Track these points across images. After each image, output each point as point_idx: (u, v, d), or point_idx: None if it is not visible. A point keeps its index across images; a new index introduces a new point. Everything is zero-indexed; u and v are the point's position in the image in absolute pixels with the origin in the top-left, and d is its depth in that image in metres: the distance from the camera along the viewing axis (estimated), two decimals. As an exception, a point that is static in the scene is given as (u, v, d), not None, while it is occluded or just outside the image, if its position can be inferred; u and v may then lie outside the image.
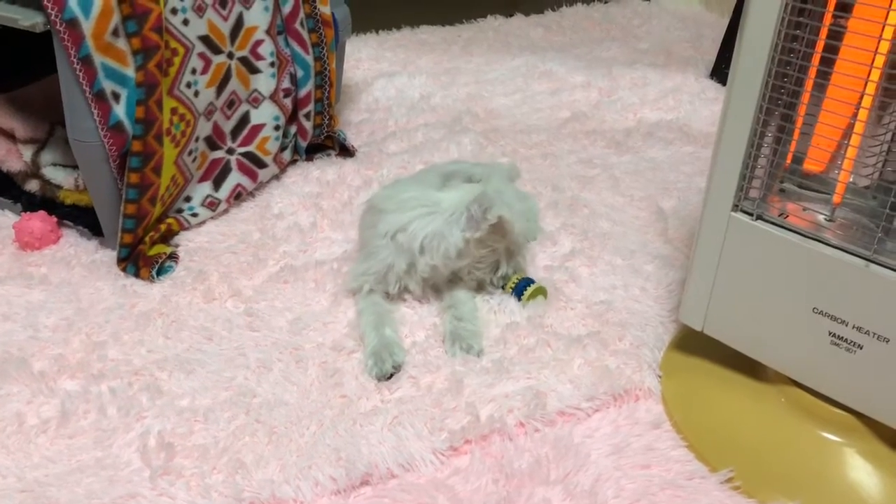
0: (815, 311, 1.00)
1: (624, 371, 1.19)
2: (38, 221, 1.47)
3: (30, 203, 1.54)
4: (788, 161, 1.04)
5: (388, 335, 1.23)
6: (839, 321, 0.99)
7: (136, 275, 1.40)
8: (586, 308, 1.32)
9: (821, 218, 1.02)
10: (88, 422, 1.13)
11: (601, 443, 1.09)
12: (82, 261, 1.44)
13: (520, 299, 1.32)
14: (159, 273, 1.40)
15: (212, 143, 1.54)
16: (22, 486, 1.04)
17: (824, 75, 0.95)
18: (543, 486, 1.03)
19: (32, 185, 1.55)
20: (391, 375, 1.18)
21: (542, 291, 1.33)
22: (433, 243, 1.24)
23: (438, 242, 1.23)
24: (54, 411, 1.14)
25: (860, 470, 1.02)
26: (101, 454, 1.08)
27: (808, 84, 0.96)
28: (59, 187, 1.52)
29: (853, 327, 0.98)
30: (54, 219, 1.49)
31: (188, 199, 1.53)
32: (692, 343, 1.22)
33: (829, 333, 1.00)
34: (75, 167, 1.48)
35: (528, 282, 1.33)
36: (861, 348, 0.98)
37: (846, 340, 0.99)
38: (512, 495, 1.01)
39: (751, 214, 1.03)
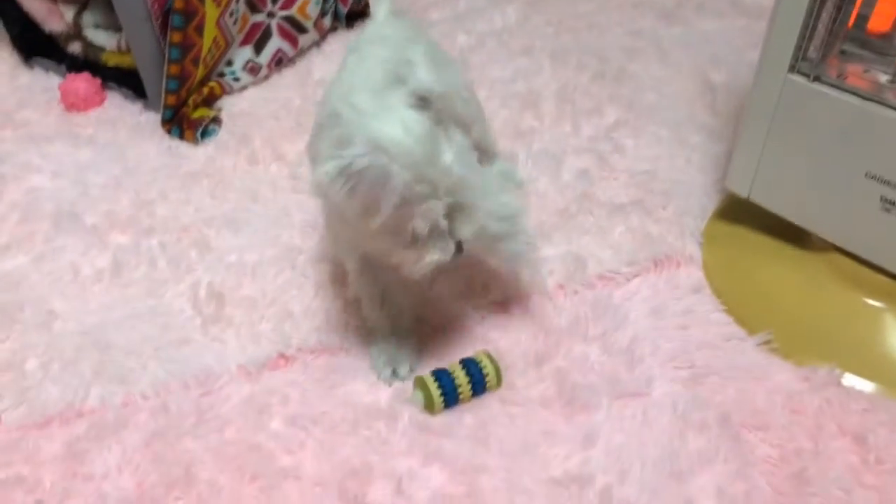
0: (868, 175, 0.98)
1: (666, 238, 1.19)
2: (83, 83, 1.48)
3: (73, 65, 1.54)
4: (852, 21, 0.99)
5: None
6: (892, 185, 0.97)
7: (181, 137, 1.41)
8: (630, 178, 1.31)
9: (883, 79, 0.98)
10: (140, 273, 1.17)
11: (640, 305, 1.10)
12: (127, 122, 1.46)
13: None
14: (203, 136, 1.41)
15: (252, 6, 1.52)
16: (82, 329, 1.09)
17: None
18: (582, 342, 1.05)
19: (75, 47, 1.55)
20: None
21: (423, 388, 0.97)
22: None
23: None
24: (107, 262, 1.18)
25: (899, 335, 1.03)
26: (154, 302, 1.12)
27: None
28: (101, 49, 1.52)
29: (906, 192, 0.96)
30: (98, 81, 1.50)
31: (230, 62, 1.52)
32: (736, 212, 1.21)
33: (881, 199, 0.98)
34: (117, 29, 1.47)
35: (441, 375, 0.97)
36: (912, 213, 0.96)
37: (897, 205, 0.97)
38: (550, 349, 1.03)
39: (808, 76, 0.99)
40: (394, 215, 0.79)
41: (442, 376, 0.97)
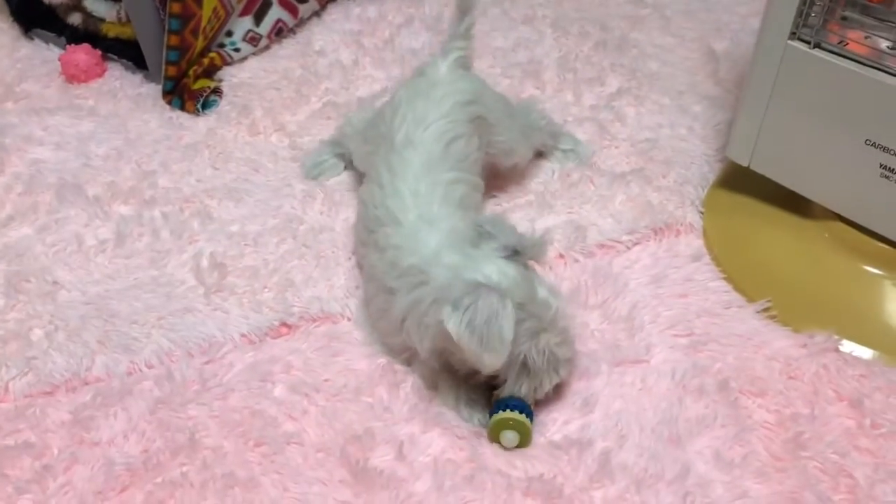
0: (868, 142, 0.98)
1: (666, 206, 1.19)
2: (83, 54, 1.47)
3: (73, 36, 1.54)
4: (854, -14, 0.99)
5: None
6: (892, 152, 0.97)
7: (182, 108, 1.41)
8: (631, 146, 1.31)
9: (884, 45, 0.98)
10: (143, 243, 1.17)
11: (640, 273, 1.11)
12: (128, 94, 1.46)
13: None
14: (204, 107, 1.41)
15: (252, -24, 1.51)
16: (85, 299, 1.10)
17: None
18: (582, 310, 1.06)
19: (75, 18, 1.54)
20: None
21: (520, 428, 0.89)
22: (414, 329, 0.92)
23: (417, 330, 0.92)
24: (110, 233, 1.19)
25: (897, 301, 1.03)
26: (157, 273, 1.13)
27: None
28: (101, 20, 1.51)
29: (906, 159, 0.96)
30: (98, 52, 1.49)
31: (230, 33, 1.51)
32: (737, 181, 1.21)
33: (880, 166, 0.98)
34: (117, 0, 1.47)
35: (512, 406, 0.90)
36: (912, 180, 0.97)
37: (897, 172, 0.97)
38: (551, 318, 1.04)
39: (808, 42, 0.99)
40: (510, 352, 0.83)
41: (512, 404, 0.90)
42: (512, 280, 0.85)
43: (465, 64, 1.18)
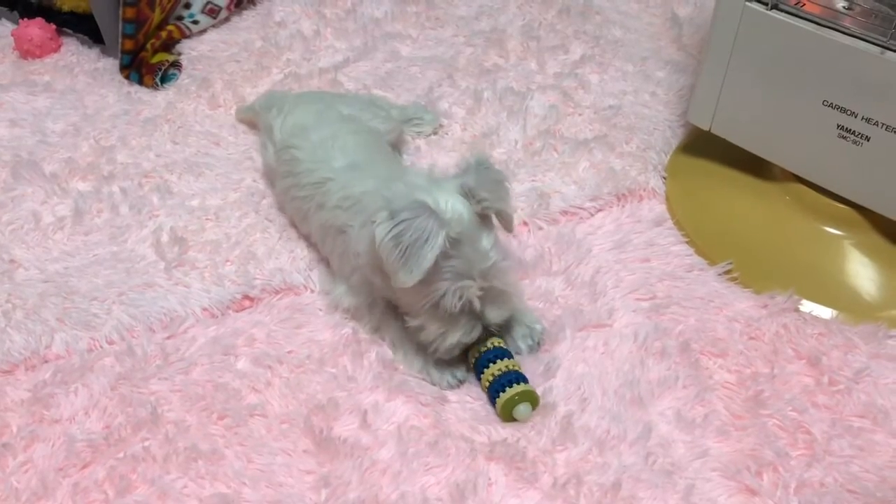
0: (825, 103, 0.99)
1: (629, 172, 1.19)
2: (37, 28, 1.44)
3: (26, 11, 1.50)
4: (810, -54, 0.99)
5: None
6: (849, 113, 0.97)
7: (140, 82, 1.38)
8: (594, 113, 1.31)
9: (840, 5, 0.98)
10: (102, 219, 1.16)
11: (603, 239, 1.11)
12: (85, 68, 1.43)
13: (493, 403, 0.91)
14: (163, 81, 1.38)
15: (209, -54, 1.48)
16: (44, 276, 1.08)
17: None
18: (546, 276, 1.06)
19: (28, -8, 1.51)
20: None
21: (528, 397, 0.89)
22: (367, 251, 0.92)
23: (370, 251, 0.90)
24: (68, 210, 1.17)
25: (855, 261, 1.05)
26: (117, 248, 1.12)
27: None
28: (55, -7, 1.48)
29: (862, 119, 0.96)
30: (53, 26, 1.46)
31: (188, 5, 1.48)
32: (699, 146, 1.21)
33: (838, 126, 0.99)
34: (69, -29, 1.44)
35: (512, 379, 0.89)
36: (868, 140, 0.97)
37: (854, 133, 0.98)
38: (514, 285, 1.04)
39: (766, 4, 0.99)
40: (427, 281, 0.83)
41: (512, 377, 0.90)
42: (457, 215, 0.85)
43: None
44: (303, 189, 1.03)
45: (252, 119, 1.28)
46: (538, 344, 0.97)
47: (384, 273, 0.87)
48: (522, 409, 0.89)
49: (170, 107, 1.34)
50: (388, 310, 0.97)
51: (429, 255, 0.81)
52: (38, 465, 0.88)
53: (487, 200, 0.87)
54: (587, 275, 1.06)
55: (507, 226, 0.92)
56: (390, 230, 0.81)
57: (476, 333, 0.90)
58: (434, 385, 0.94)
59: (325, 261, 1.07)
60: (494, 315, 0.90)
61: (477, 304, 0.88)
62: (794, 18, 0.98)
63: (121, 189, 1.19)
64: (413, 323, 0.91)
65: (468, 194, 0.87)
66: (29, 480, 0.87)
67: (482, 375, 0.91)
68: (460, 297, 0.86)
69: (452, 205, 0.86)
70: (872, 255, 1.04)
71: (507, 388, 0.89)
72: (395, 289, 0.88)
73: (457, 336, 0.89)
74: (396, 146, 1.21)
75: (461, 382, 0.94)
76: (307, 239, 1.10)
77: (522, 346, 0.96)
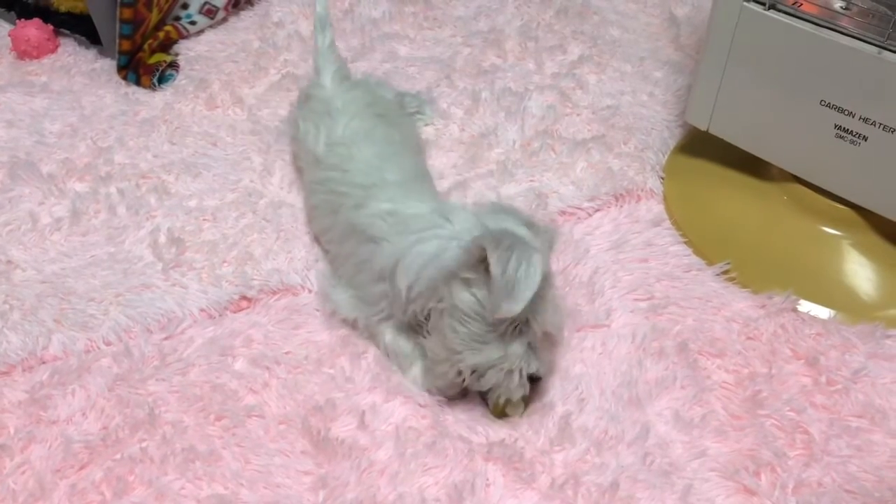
0: (823, 103, 0.99)
1: (627, 172, 1.19)
2: (34, 29, 1.44)
3: (23, 11, 1.50)
4: (808, -54, 0.99)
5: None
6: (846, 113, 0.97)
7: (137, 83, 1.38)
8: (592, 114, 1.31)
9: (837, 5, 0.98)
10: (99, 220, 1.15)
11: (601, 239, 1.11)
12: (82, 69, 1.43)
13: (486, 400, 0.93)
14: (161, 81, 1.38)
15: (206, -54, 1.48)
16: (41, 277, 1.08)
17: None
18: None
19: (25, -7, 1.51)
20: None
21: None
22: (413, 263, 0.89)
23: (416, 262, 0.89)
24: (65, 211, 1.17)
25: (853, 261, 1.05)
26: (114, 249, 1.11)
27: None
28: (52, -6, 1.48)
29: (859, 118, 0.96)
30: (50, 27, 1.46)
31: (185, 6, 1.48)
32: (697, 146, 1.21)
33: (835, 126, 0.99)
34: (67, -28, 1.43)
35: None
36: (865, 140, 0.97)
37: (851, 133, 0.98)
38: (512, 285, 1.04)
39: (763, 4, 0.99)
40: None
41: None
42: (535, 241, 0.84)
43: (344, 75, 1.19)
44: (346, 185, 1.01)
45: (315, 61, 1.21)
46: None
47: (461, 294, 0.84)
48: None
49: (167, 107, 1.34)
50: (400, 328, 0.96)
51: (533, 284, 0.79)
52: (36, 467, 0.88)
53: (548, 232, 0.88)
54: (585, 275, 1.06)
55: (553, 251, 0.92)
56: (499, 260, 0.78)
57: (535, 365, 0.87)
58: (435, 395, 0.93)
59: (326, 260, 1.07)
60: (552, 349, 0.90)
61: (543, 330, 0.85)
62: (792, 18, 0.98)
63: (118, 190, 1.19)
64: (473, 358, 0.85)
65: (529, 227, 0.86)
66: (26, 482, 0.86)
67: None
68: (536, 321, 0.84)
69: (527, 232, 0.85)
70: (870, 255, 1.04)
71: None
72: (467, 320, 0.84)
73: (532, 367, 0.86)
74: None
75: (463, 395, 0.93)
76: (313, 236, 1.09)
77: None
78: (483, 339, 0.84)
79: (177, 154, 1.26)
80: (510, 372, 0.85)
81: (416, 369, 0.94)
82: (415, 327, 0.94)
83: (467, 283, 0.83)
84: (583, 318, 1.00)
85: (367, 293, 0.96)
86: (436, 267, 0.86)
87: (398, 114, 1.20)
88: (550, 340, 0.89)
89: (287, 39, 1.47)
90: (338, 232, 1.02)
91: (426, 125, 1.28)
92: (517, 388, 0.86)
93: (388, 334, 0.96)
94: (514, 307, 0.78)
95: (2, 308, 1.04)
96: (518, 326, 0.84)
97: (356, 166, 1.02)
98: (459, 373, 0.87)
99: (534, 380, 0.88)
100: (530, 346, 0.86)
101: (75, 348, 0.99)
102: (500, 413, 0.90)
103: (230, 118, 1.32)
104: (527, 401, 0.91)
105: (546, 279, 0.83)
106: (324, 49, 1.18)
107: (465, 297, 0.83)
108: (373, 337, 0.98)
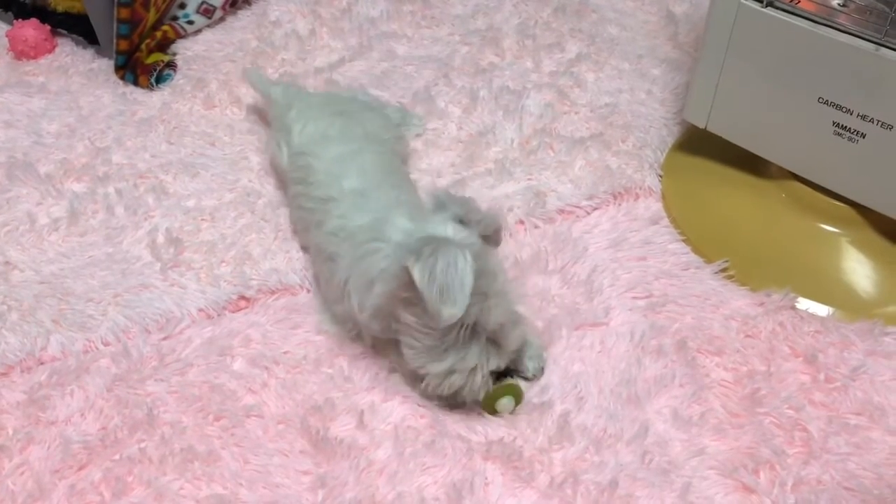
0: (821, 100, 0.99)
1: (625, 171, 1.19)
2: (32, 29, 1.43)
3: (21, 11, 1.50)
4: (805, -57, 0.98)
5: None
6: (844, 110, 0.97)
7: (135, 83, 1.38)
8: (590, 112, 1.30)
9: (835, 3, 0.98)
10: (97, 221, 1.15)
11: (599, 237, 1.11)
12: (80, 69, 1.42)
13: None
14: (158, 81, 1.38)
15: (204, -54, 1.48)
16: (40, 278, 1.08)
17: None
18: (542, 275, 1.06)
19: (22, -7, 1.50)
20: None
21: (511, 391, 0.90)
22: (358, 283, 0.90)
23: (360, 282, 0.90)
24: (63, 211, 1.17)
25: (852, 258, 1.05)
26: (112, 250, 1.11)
27: None
28: (49, -6, 1.48)
29: (857, 116, 0.96)
30: (47, 27, 1.46)
31: (182, 5, 1.48)
32: (695, 144, 1.21)
33: (833, 123, 0.99)
34: (64, -28, 1.43)
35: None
36: (864, 137, 0.97)
37: (849, 130, 0.98)
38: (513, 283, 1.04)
39: (761, 1, 0.99)
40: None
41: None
42: (466, 239, 0.84)
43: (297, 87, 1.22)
44: (310, 201, 1.01)
45: (261, 93, 1.23)
46: (541, 370, 0.95)
47: (404, 315, 0.85)
48: (505, 402, 0.90)
49: (165, 107, 1.34)
50: (375, 344, 0.96)
51: (468, 280, 0.78)
52: (34, 468, 0.88)
53: (484, 220, 0.87)
54: (583, 273, 1.06)
55: (498, 241, 0.91)
56: (425, 271, 0.78)
57: (495, 361, 0.87)
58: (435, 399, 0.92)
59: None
60: (511, 340, 0.88)
61: (495, 325, 0.85)
62: (790, 16, 0.97)
63: (116, 190, 1.19)
64: (435, 367, 0.86)
65: (461, 221, 0.86)
66: (25, 483, 0.86)
67: None
68: (490, 316, 0.84)
69: (455, 231, 0.85)
70: (869, 252, 1.04)
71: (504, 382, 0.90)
72: (419, 336, 0.85)
73: (493, 364, 0.87)
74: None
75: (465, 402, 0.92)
76: (306, 251, 1.08)
77: (530, 365, 0.94)
78: (440, 349, 0.85)
79: (175, 154, 1.26)
80: (472, 372, 0.86)
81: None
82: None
83: (408, 302, 0.84)
84: (581, 317, 1.00)
85: (337, 310, 0.97)
86: (378, 289, 0.86)
87: (361, 108, 1.17)
88: (510, 327, 0.88)
89: (285, 38, 1.47)
90: (312, 250, 1.03)
91: (418, 135, 1.26)
92: (480, 387, 0.87)
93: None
94: (455, 310, 0.79)
95: (0, 309, 1.04)
96: (468, 327, 0.84)
97: (317, 177, 1.01)
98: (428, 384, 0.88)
99: (506, 373, 0.90)
100: (488, 342, 0.86)
101: (74, 349, 0.99)
102: (491, 409, 0.90)
103: (228, 118, 1.32)
104: (518, 398, 0.91)
105: (485, 273, 0.82)
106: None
107: (408, 317, 0.84)
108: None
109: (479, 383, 0.87)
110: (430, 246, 0.80)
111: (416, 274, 0.79)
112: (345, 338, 0.98)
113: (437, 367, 0.86)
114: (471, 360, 0.85)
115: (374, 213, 0.93)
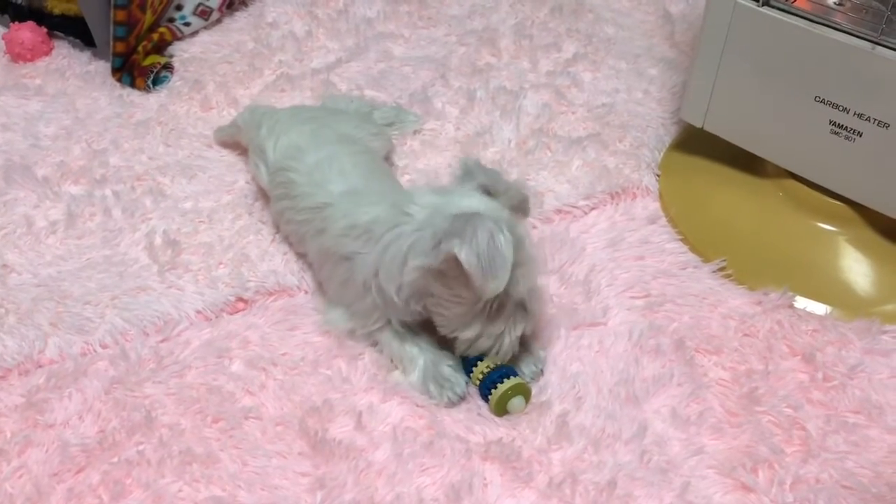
0: (817, 99, 0.99)
1: (622, 170, 1.19)
2: (28, 32, 1.43)
3: (17, 14, 1.49)
4: (801, -58, 0.99)
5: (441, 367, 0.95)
6: (840, 108, 0.97)
7: (132, 85, 1.38)
8: (588, 112, 1.31)
9: (831, 2, 0.98)
10: (95, 223, 1.15)
11: (597, 237, 1.11)
12: (76, 72, 1.42)
13: (486, 400, 0.92)
14: (155, 83, 1.38)
15: (200, -53, 1.48)
16: (37, 281, 1.08)
17: None
18: (540, 275, 1.05)
19: (18, -5, 1.50)
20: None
21: (521, 391, 0.90)
22: (392, 266, 0.89)
23: (394, 265, 0.88)
24: (61, 214, 1.16)
25: (849, 257, 1.05)
26: (110, 252, 1.11)
27: None
28: (45, -4, 1.47)
29: (854, 114, 0.96)
30: (44, 29, 1.46)
31: (179, 7, 1.48)
32: (693, 143, 1.21)
33: (830, 122, 0.99)
34: (60, -26, 1.43)
35: (503, 374, 0.91)
36: (860, 136, 0.97)
37: (846, 128, 0.98)
38: (508, 284, 1.04)
39: (757, 0, 0.99)
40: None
41: (503, 372, 0.91)
42: (496, 210, 0.85)
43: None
44: (300, 213, 1.01)
45: (233, 138, 1.24)
46: (541, 371, 0.95)
47: (435, 286, 0.86)
48: (517, 402, 0.90)
49: (162, 109, 1.34)
50: (399, 330, 0.95)
51: (508, 257, 0.80)
52: (33, 471, 0.87)
53: (510, 191, 0.88)
54: (581, 273, 1.06)
55: (527, 212, 0.94)
56: (470, 252, 0.79)
57: (521, 325, 0.90)
58: (433, 400, 0.92)
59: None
60: (536, 307, 0.91)
61: (524, 291, 0.87)
62: (786, 15, 0.98)
63: (113, 192, 1.19)
64: (465, 333, 0.89)
65: (488, 192, 0.87)
66: (23, 486, 0.86)
67: (471, 374, 0.92)
68: (526, 284, 0.86)
69: (484, 202, 0.86)
70: (866, 250, 1.04)
71: (499, 384, 0.89)
72: (450, 305, 0.87)
73: (520, 329, 0.90)
74: (388, 156, 1.20)
75: (461, 398, 0.93)
76: (303, 257, 1.08)
77: (526, 371, 0.94)
78: (470, 315, 0.88)
79: (172, 156, 1.26)
80: (500, 335, 0.89)
81: (418, 373, 0.94)
82: (414, 328, 0.95)
83: (440, 273, 0.85)
84: (579, 317, 1.00)
85: (358, 308, 0.96)
86: (413, 266, 0.86)
87: (329, 113, 1.17)
88: (537, 292, 0.91)
89: (281, 40, 1.47)
90: (314, 257, 1.03)
91: (416, 131, 1.27)
92: (508, 349, 0.90)
93: (395, 342, 0.95)
94: (498, 284, 0.81)
95: (-3, 312, 1.04)
96: (499, 295, 0.85)
97: (301, 189, 1.01)
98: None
99: (506, 373, 0.91)
100: (515, 307, 0.88)
101: (71, 352, 0.99)
102: (502, 411, 0.90)
103: (225, 119, 1.32)
104: (528, 396, 0.91)
105: (517, 244, 0.83)
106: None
107: (439, 288, 0.87)
108: (375, 344, 0.98)
109: (507, 346, 0.90)
110: (471, 224, 0.80)
111: (463, 255, 0.79)
112: (344, 338, 0.98)
113: (467, 333, 0.89)
114: (499, 325, 0.88)
115: (381, 204, 0.93)
